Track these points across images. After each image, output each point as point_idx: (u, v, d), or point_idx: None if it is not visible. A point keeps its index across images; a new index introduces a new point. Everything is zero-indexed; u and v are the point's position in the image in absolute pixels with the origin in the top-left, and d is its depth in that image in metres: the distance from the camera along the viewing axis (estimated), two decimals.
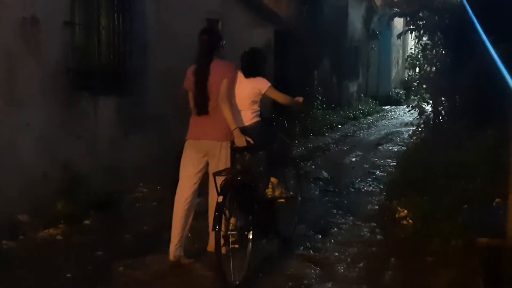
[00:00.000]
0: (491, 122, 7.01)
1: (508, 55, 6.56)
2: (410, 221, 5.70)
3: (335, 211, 6.54)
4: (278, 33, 12.03)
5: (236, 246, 4.22)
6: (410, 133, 11.83)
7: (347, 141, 12.45)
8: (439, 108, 9.82)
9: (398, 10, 10.65)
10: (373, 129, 15.09)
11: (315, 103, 14.25)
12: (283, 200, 5.05)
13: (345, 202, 7.00)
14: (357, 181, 8.24)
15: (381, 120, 17.56)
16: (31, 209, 5.44)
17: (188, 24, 8.40)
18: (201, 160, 4.68)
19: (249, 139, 4.49)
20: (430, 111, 10.16)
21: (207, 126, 4.57)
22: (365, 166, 9.53)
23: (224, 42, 4.82)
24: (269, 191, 4.94)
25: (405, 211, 5.93)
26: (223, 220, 4.04)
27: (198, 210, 4.84)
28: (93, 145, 6.44)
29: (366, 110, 18.67)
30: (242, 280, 4.19)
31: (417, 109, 10.51)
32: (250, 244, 4.41)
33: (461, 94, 8.85)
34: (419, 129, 10.31)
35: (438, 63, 10.20)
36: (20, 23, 5.36)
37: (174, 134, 7.87)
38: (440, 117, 9.79)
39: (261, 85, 4.83)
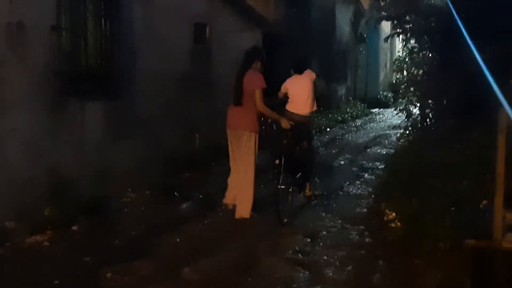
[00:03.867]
0: (477, 124, 7.06)
1: (495, 58, 6.64)
2: (398, 223, 5.72)
3: (324, 214, 6.55)
4: (266, 36, 12.04)
5: (284, 195, 6.19)
6: (398, 135, 11.89)
7: (335, 144, 12.48)
8: (426, 111, 9.88)
9: (385, 13, 10.68)
10: (361, 132, 15.14)
11: None
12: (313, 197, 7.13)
13: (334, 205, 7.02)
14: (345, 184, 8.27)
15: (370, 123, 17.62)
16: (18, 215, 5.40)
17: (176, 28, 8.42)
18: (237, 143, 6.20)
19: (291, 122, 6.36)
20: (418, 113, 10.22)
21: (237, 118, 6.14)
22: (353, 169, 9.56)
23: (262, 57, 6.27)
24: (307, 192, 7.05)
25: (393, 214, 5.95)
26: (279, 176, 6.03)
27: None
28: (81, 150, 6.41)
29: (354, 113, 18.72)
30: (288, 219, 6.08)
31: (404, 112, 10.57)
32: (290, 196, 6.36)
33: (448, 97, 8.90)
34: (407, 132, 10.36)
35: (425, 66, 10.27)
36: (6, 28, 5.33)
37: (163, 138, 7.89)
38: (428, 120, 9.85)
39: (311, 74, 6.88)
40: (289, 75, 7.00)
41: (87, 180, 6.36)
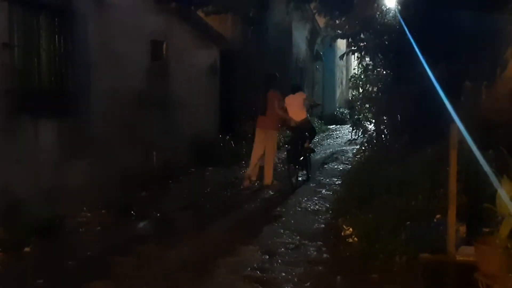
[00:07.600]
0: (430, 140, 7.21)
1: (446, 75, 6.82)
2: (355, 238, 5.77)
3: (282, 230, 6.56)
4: (224, 53, 12.09)
5: (294, 172, 9.44)
6: (354, 151, 12.04)
7: None
8: (381, 127, 10.05)
9: (340, 32, 10.85)
10: (318, 148, 15.24)
11: None
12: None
13: (292, 221, 7.03)
14: (303, 200, 8.31)
15: (327, 139, 17.78)
16: None
17: (132, 45, 8.35)
18: (263, 138, 9.21)
19: (294, 124, 9.60)
20: (373, 129, 10.38)
21: (265, 122, 9.18)
22: (311, 184, 9.63)
23: (277, 78, 9.79)
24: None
25: (350, 229, 6.00)
26: (290, 159, 9.45)
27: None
28: (33, 169, 6.26)
29: None
30: (296, 188, 9.17)
31: (360, 128, 10.72)
32: (298, 173, 9.60)
33: (402, 113, 9.08)
34: (363, 148, 10.50)
35: (379, 83, 10.45)
36: None
37: (119, 156, 7.77)
38: (382, 135, 10.01)
39: (303, 94, 10.04)
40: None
41: (41, 200, 6.20)
